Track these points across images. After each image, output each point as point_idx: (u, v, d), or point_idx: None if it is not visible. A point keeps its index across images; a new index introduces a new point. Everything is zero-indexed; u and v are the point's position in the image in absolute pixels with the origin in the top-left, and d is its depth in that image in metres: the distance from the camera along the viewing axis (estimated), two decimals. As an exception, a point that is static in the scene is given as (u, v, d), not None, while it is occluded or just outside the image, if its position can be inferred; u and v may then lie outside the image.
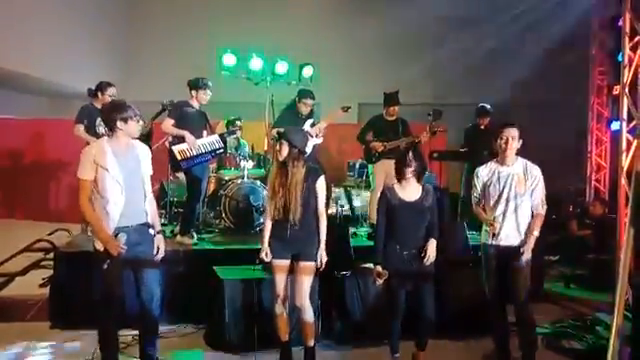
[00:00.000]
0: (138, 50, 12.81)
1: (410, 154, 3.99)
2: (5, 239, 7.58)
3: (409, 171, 3.95)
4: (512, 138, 4.06)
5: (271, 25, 11.97)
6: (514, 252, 4.06)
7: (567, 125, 10.46)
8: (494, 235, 4.10)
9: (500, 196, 4.10)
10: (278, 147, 3.89)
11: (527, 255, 4.04)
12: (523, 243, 4.05)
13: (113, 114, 3.66)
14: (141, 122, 3.78)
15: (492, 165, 4.22)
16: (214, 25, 11.97)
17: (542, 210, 4.12)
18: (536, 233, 4.07)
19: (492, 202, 4.16)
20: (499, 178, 4.12)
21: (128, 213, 3.63)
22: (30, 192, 10.34)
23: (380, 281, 3.93)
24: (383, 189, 4.14)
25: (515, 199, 4.06)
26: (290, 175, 3.86)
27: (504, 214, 4.09)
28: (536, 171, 4.12)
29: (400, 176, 4.01)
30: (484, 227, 4.24)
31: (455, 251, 5.16)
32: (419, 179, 4.03)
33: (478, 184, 4.25)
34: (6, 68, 9.23)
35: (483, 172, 4.24)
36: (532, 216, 4.10)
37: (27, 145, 10.54)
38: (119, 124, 3.64)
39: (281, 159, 3.89)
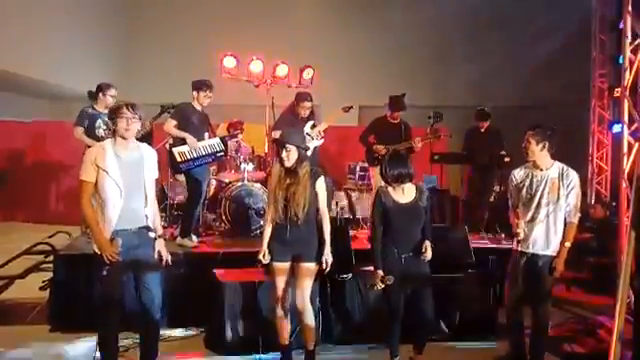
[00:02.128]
0: (138, 52, 12.80)
1: (386, 162, 3.98)
2: (5, 242, 7.59)
3: (389, 179, 3.95)
4: (527, 142, 3.99)
5: (271, 28, 11.97)
6: (539, 261, 3.99)
7: (568, 128, 10.44)
8: (519, 241, 4.01)
9: (531, 200, 4.01)
10: (285, 154, 3.85)
11: (560, 268, 3.98)
12: (555, 255, 3.97)
13: (111, 116, 3.68)
14: (136, 121, 3.69)
15: (527, 168, 4.12)
16: (214, 28, 11.95)
17: (575, 218, 4.01)
18: (568, 244, 3.99)
19: (522, 207, 4.07)
20: (532, 182, 4.03)
21: (127, 216, 3.62)
22: (30, 194, 10.34)
23: (382, 285, 3.91)
24: (377, 191, 4.11)
25: (547, 206, 3.96)
26: (299, 174, 3.85)
27: (533, 220, 3.99)
28: (572, 176, 4.00)
29: (385, 182, 4.01)
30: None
31: (456, 254, 5.15)
32: (410, 180, 4.01)
33: (511, 186, 4.16)
34: (6, 70, 9.23)
35: (517, 175, 4.14)
36: (565, 224, 4.00)
37: (27, 147, 10.55)
38: (110, 125, 3.68)
39: (289, 164, 3.87)
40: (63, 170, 9.78)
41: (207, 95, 5.68)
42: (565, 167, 4.05)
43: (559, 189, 3.96)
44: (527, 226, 4.01)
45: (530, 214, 4.01)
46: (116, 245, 3.56)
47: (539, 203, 3.98)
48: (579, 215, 4.06)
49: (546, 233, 3.98)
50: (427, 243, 3.99)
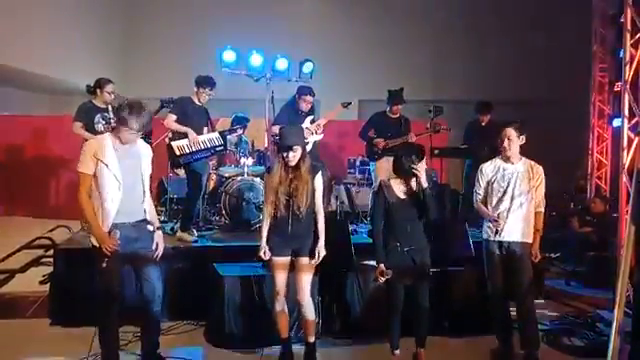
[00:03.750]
0: (138, 46, 12.79)
1: (405, 153, 3.98)
2: (5, 236, 7.59)
3: (406, 170, 3.95)
4: (509, 138, 4.15)
5: (271, 21, 11.95)
6: (517, 248, 4.13)
7: (568, 122, 10.44)
8: (497, 232, 4.16)
9: (505, 193, 4.17)
10: (292, 155, 3.81)
11: (538, 254, 4.16)
12: (531, 243, 4.15)
13: (123, 114, 3.60)
14: (136, 136, 3.69)
15: (497, 162, 4.28)
16: (214, 21, 11.93)
17: (542, 208, 4.22)
18: (540, 231, 4.18)
19: (495, 199, 4.22)
20: (504, 175, 4.20)
21: (125, 210, 3.63)
22: (30, 189, 10.34)
23: (382, 279, 3.92)
24: (379, 185, 4.11)
25: (520, 196, 4.13)
26: (301, 168, 3.85)
27: (508, 211, 4.15)
28: (540, 170, 4.21)
29: (400, 174, 4.00)
30: (486, 223, 4.29)
31: (456, 248, 5.15)
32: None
33: (482, 181, 4.31)
34: (6, 65, 9.22)
35: (488, 169, 4.30)
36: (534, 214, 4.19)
37: (27, 142, 10.54)
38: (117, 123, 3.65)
39: (294, 163, 3.85)
40: (63, 164, 9.77)
41: (207, 92, 5.67)
42: (532, 162, 4.25)
43: (529, 181, 4.15)
44: (502, 216, 4.16)
45: (505, 205, 4.17)
46: (114, 237, 3.56)
47: (512, 195, 4.15)
48: (544, 205, 4.24)
49: (521, 222, 4.15)
50: None
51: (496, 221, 4.15)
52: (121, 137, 3.65)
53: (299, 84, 6.57)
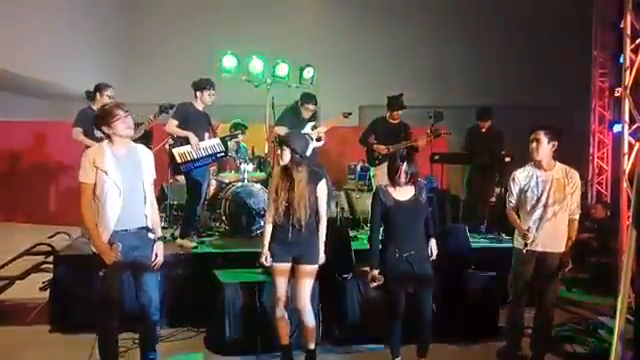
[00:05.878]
0: (138, 52, 12.78)
1: (400, 161, 3.95)
2: (5, 242, 7.58)
3: (401, 178, 3.92)
4: (537, 141, 4.03)
5: (271, 27, 11.95)
6: (548, 258, 4.07)
7: (568, 127, 10.42)
8: (526, 244, 4.04)
9: (538, 201, 4.06)
10: (279, 152, 3.89)
11: (569, 264, 4.10)
12: (564, 252, 4.08)
13: (98, 124, 3.66)
14: (130, 117, 3.68)
15: (530, 169, 4.15)
16: (214, 27, 11.95)
17: (577, 215, 4.12)
18: (572, 240, 4.10)
19: (529, 207, 4.11)
20: (537, 183, 4.08)
21: (126, 217, 3.61)
22: (30, 195, 10.32)
23: (374, 285, 3.91)
24: (376, 190, 4.08)
25: (554, 205, 4.03)
26: (295, 179, 3.85)
27: (541, 220, 4.05)
28: (576, 176, 4.10)
29: (392, 182, 3.98)
30: (517, 233, 4.20)
31: (456, 253, 5.13)
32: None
33: (514, 188, 4.18)
34: (6, 70, 9.21)
35: (520, 176, 4.17)
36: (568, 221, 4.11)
37: (27, 148, 10.53)
38: (105, 129, 3.64)
39: (283, 164, 3.90)
40: (63, 170, 9.76)
41: (211, 94, 5.66)
42: (568, 167, 4.13)
43: (564, 189, 4.03)
44: (534, 225, 4.07)
45: (538, 214, 4.07)
46: (116, 249, 3.54)
47: (546, 203, 4.04)
48: (580, 212, 4.16)
49: (553, 231, 4.06)
50: (432, 242, 4.04)
51: (526, 235, 4.02)
52: (116, 130, 3.60)
53: (300, 90, 6.57)
